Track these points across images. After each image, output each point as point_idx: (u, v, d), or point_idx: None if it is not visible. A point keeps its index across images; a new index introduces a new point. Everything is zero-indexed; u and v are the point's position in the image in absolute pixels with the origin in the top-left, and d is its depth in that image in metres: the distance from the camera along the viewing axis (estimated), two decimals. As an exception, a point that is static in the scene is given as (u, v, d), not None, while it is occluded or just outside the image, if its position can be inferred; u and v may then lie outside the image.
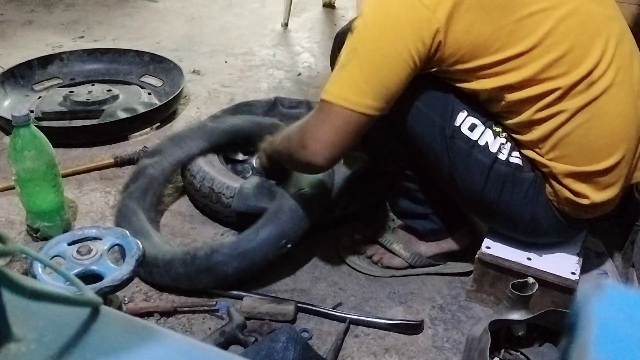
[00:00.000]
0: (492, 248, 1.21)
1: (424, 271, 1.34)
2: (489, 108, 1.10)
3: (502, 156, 1.10)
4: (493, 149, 1.10)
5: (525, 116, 1.05)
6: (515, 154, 1.11)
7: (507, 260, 1.19)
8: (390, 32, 1.00)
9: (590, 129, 1.03)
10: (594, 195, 1.07)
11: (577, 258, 1.20)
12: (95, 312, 0.39)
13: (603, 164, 1.05)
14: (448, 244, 1.34)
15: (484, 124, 1.10)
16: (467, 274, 1.31)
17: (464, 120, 1.10)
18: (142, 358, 0.37)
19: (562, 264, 1.18)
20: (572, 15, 1.00)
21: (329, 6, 3.09)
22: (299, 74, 2.34)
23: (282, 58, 2.48)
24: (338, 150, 1.05)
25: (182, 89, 1.98)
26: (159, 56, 2.20)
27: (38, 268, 1.24)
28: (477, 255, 1.21)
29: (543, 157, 1.07)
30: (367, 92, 1.00)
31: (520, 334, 1.08)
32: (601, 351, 0.25)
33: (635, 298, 0.28)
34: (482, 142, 1.10)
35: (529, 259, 1.19)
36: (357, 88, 1.01)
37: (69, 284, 1.10)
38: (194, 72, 2.29)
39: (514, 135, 1.10)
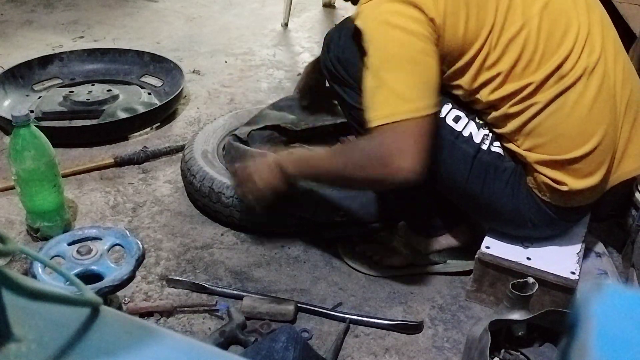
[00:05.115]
0: (492, 248, 1.21)
1: (424, 270, 1.34)
2: (471, 106, 1.13)
3: (485, 146, 1.13)
4: (477, 139, 1.12)
5: (501, 111, 1.08)
6: (497, 144, 1.14)
7: (507, 260, 1.19)
8: (403, 38, 1.02)
9: (561, 118, 1.05)
10: (573, 182, 1.09)
11: (577, 258, 1.20)
12: (95, 312, 0.39)
13: (576, 152, 1.06)
14: (447, 240, 1.34)
15: (467, 116, 1.13)
16: (468, 272, 1.31)
17: (449, 112, 1.13)
18: (142, 358, 0.37)
19: (562, 264, 1.18)
20: (544, 10, 1.03)
21: (329, 6, 3.09)
22: (299, 74, 2.34)
23: (282, 58, 2.48)
24: (425, 158, 1.03)
25: (182, 89, 1.98)
26: (159, 56, 2.19)
27: (38, 268, 1.23)
28: (477, 255, 1.21)
29: (519, 147, 1.10)
30: (416, 97, 1.02)
31: (520, 334, 1.08)
32: (601, 351, 0.25)
33: (635, 298, 0.28)
34: (466, 133, 1.12)
35: (528, 258, 1.19)
36: (405, 98, 1.01)
37: (69, 284, 1.10)
38: (194, 72, 2.29)
39: (493, 129, 1.13)
